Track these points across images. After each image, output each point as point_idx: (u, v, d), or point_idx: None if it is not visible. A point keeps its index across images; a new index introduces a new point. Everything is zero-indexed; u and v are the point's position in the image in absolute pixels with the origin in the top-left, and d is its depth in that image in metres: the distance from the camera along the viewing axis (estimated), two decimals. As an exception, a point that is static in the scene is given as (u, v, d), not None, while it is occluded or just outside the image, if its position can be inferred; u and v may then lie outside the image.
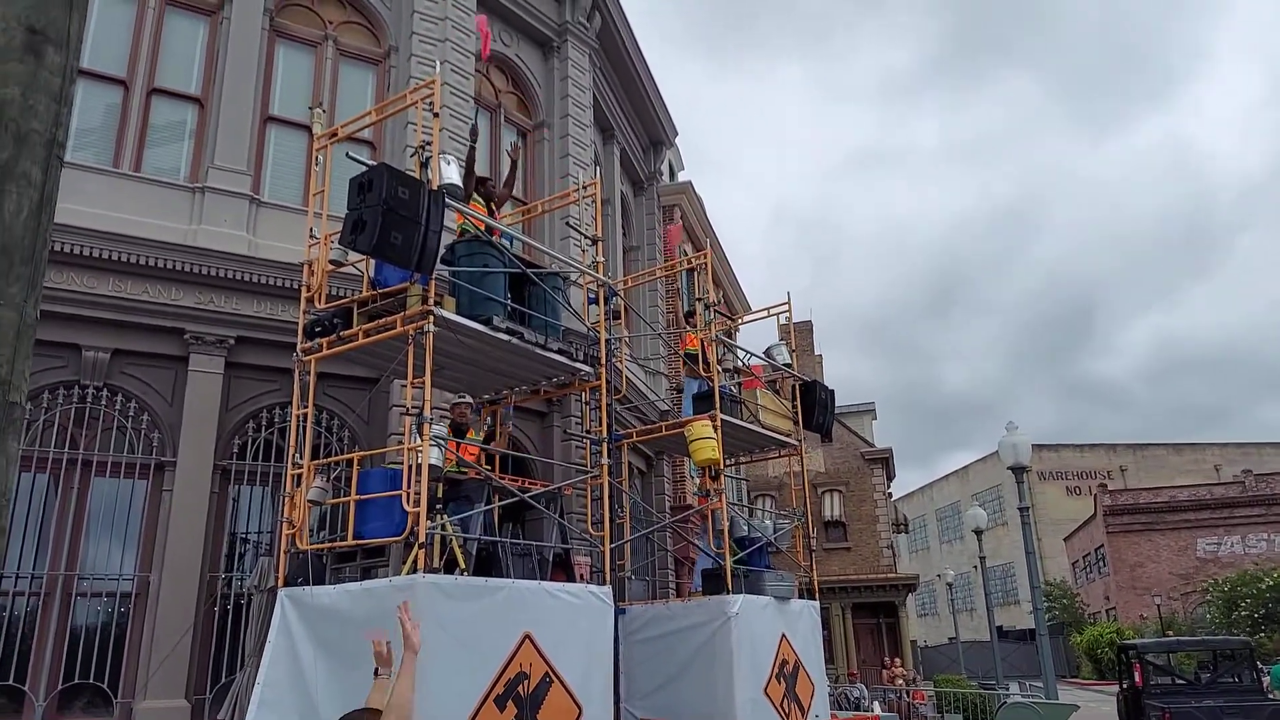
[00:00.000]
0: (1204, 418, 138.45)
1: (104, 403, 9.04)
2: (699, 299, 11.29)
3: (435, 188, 7.00)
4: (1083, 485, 58.92)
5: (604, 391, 8.77)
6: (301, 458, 7.54)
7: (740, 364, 11.84)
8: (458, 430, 8.10)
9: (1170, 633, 36.72)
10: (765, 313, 12.23)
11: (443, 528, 6.80)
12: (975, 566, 60.15)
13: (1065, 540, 53.62)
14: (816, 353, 34.94)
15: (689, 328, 11.57)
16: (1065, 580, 51.75)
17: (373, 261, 7.64)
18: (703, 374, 10.78)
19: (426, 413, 6.73)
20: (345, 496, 7.39)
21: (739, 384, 11.69)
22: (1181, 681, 14.67)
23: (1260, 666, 15.11)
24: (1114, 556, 43.84)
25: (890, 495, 35.41)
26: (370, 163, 7.10)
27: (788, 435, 11.70)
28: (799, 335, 13.83)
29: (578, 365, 8.59)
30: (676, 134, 18.81)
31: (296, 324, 8.47)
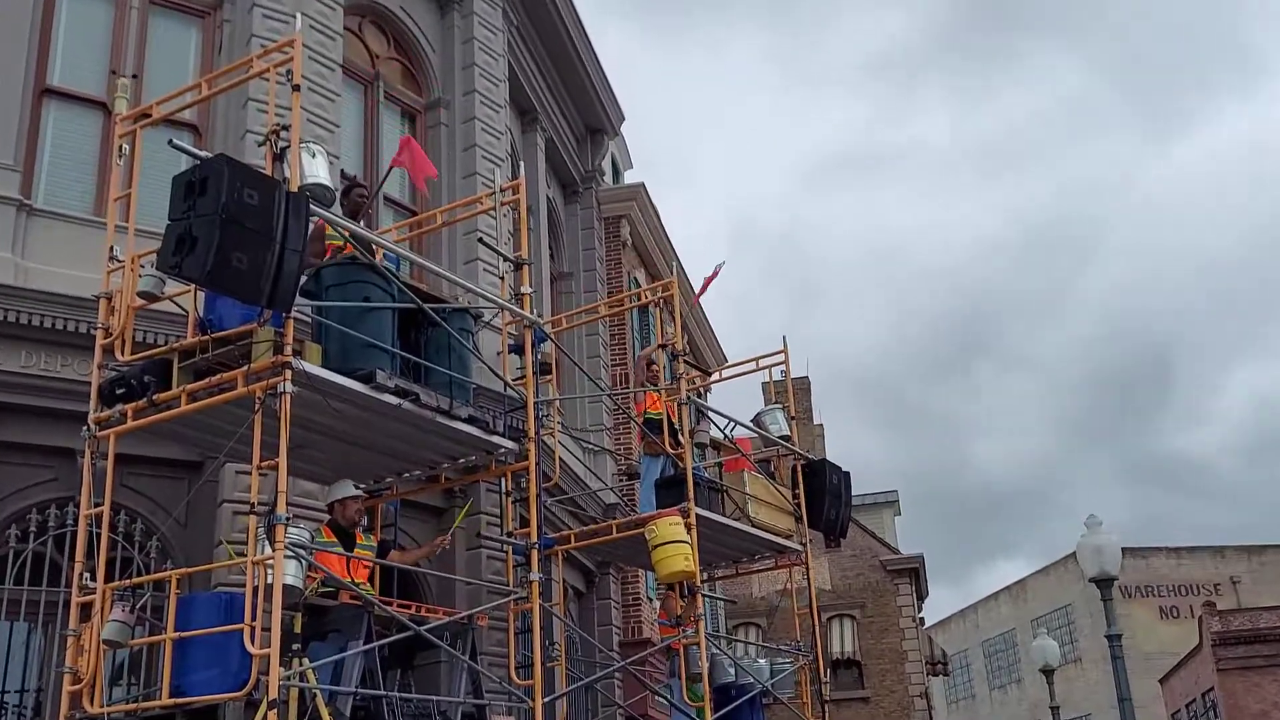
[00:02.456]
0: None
1: None
2: (661, 345, 11.33)
3: (295, 189, 6.99)
4: (1181, 604, 59.94)
5: (533, 476, 8.73)
6: (93, 578, 7.34)
7: (722, 436, 11.89)
8: (342, 536, 7.97)
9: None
10: (754, 365, 12.36)
11: (303, 678, 6.68)
12: (1040, 721, 60.52)
13: (1161, 682, 54.35)
14: (817, 421, 35.31)
15: (648, 385, 11.61)
16: (1164, 738, 52.30)
17: (203, 294, 7.55)
18: (669, 450, 10.78)
19: (280, 510, 6.62)
20: (159, 634, 7.20)
21: (719, 465, 11.73)
22: None
23: None
24: (1229, 704, 44.49)
25: (922, 621, 35.70)
26: (202, 153, 7.04)
27: (788, 537, 11.73)
28: (795, 397, 13.92)
29: (495, 439, 8.53)
30: (623, 119, 19.06)
31: (86, 384, 8.28)
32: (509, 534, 9.46)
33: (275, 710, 6.24)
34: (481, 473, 9.46)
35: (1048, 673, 26.55)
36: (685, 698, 10.78)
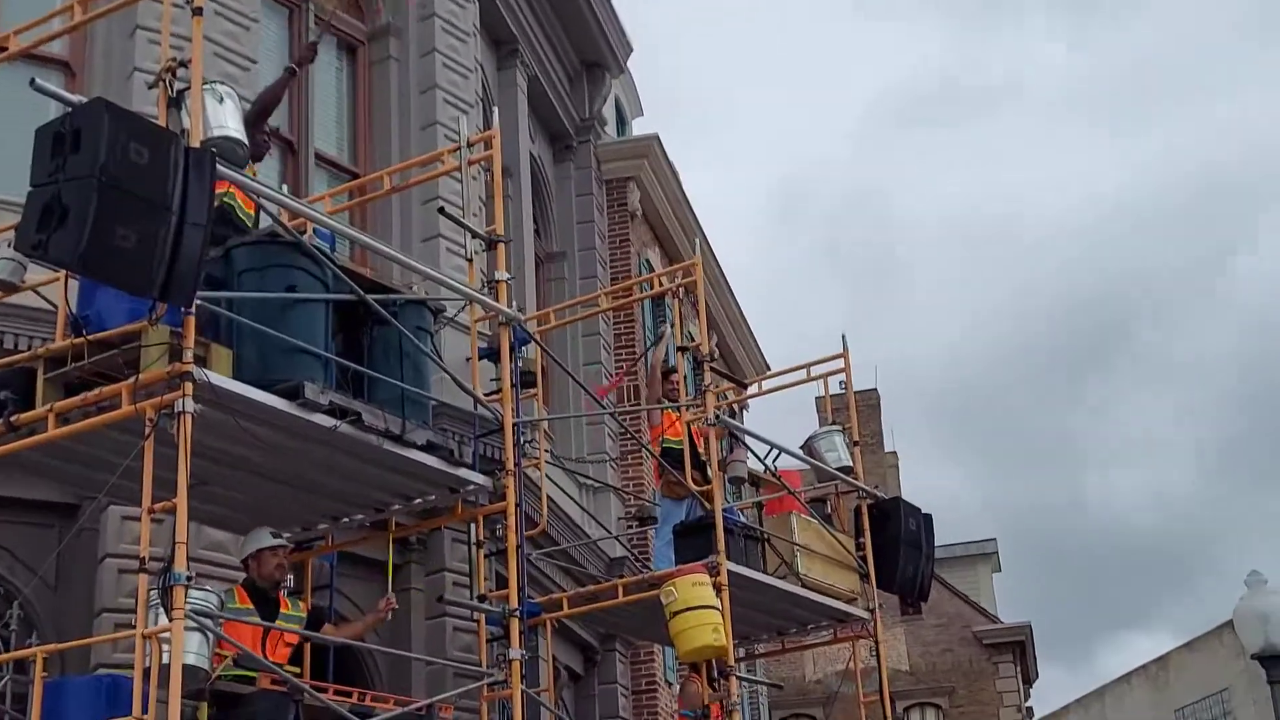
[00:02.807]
0: None
1: None
2: (682, 347, 11.30)
3: (198, 144, 7.00)
4: (1374, 687, 59.68)
5: (512, 522, 8.72)
6: (-66, 658, 7.38)
7: (763, 469, 11.86)
8: (260, 600, 7.97)
9: None
10: (804, 374, 12.32)
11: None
12: (1187, 843, 60.34)
13: (1348, 790, 54.08)
14: (889, 448, 35.26)
15: (665, 402, 11.59)
16: None
17: (77, 283, 7.54)
18: (692, 488, 10.76)
19: (179, 567, 6.62)
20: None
21: (759, 506, 11.70)
22: None
23: None
24: None
25: (1030, 712, 35.60)
26: (75, 98, 7.05)
27: (851, 601, 11.70)
28: (860, 416, 13.85)
29: (462, 472, 8.52)
30: (630, 51, 19.04)
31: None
32: (481, 598, 9.44)
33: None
34: (445, 516, 9.45)
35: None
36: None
